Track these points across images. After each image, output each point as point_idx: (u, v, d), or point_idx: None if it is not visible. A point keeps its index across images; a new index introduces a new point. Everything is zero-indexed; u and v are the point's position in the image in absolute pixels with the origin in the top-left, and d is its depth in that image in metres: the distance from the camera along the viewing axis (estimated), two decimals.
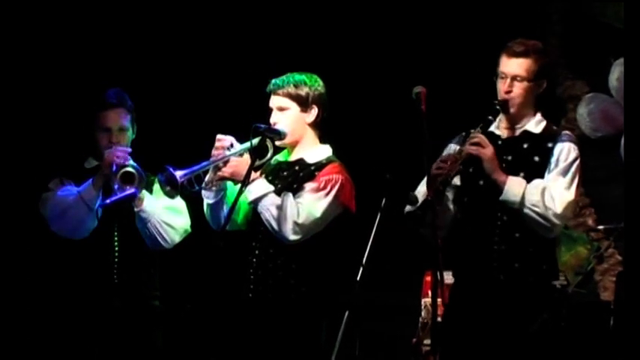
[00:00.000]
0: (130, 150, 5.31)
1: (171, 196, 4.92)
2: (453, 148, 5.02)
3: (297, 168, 4.96)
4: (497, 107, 4.92)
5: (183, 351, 5.85)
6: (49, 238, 5.37)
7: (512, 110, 4.93)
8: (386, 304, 6.72)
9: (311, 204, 4.81)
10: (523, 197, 4.80)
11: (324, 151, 5.01)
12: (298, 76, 4.96)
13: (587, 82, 7.13)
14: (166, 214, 5.30)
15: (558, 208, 4.81)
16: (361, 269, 4.36)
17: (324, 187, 4.83)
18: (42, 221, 5.34)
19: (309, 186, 4.86)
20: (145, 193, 5.28)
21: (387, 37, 6.97)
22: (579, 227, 6.96)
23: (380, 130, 6.87)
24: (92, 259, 5.29)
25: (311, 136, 5.01)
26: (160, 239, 5.30)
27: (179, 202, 5.29)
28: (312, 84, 4.96)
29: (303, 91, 4.94)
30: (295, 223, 4.79)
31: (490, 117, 4.92)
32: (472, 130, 4.94)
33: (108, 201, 5.21)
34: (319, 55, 6.48)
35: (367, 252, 4.38)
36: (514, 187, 4.83)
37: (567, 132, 5.08)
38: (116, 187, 5.22)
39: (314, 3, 6.93)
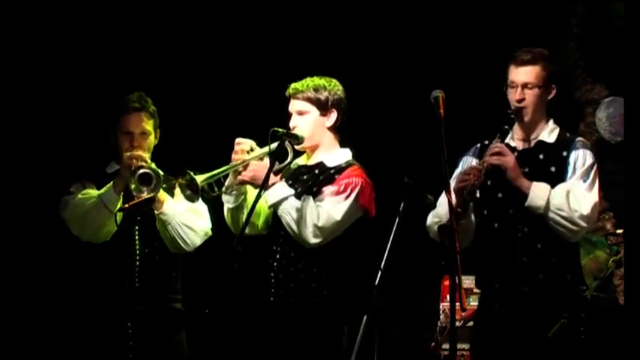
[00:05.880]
0: (148, 154, 5.31)
1: (191, 200, 4.92)
2: (469, 161, 5.03)
3: (316, 171, 4.97)
4: (512, 116, 4.92)
5: (205, 356, 5.85)
6: (70, 242, 5.38)
7: (526, 118, 4.94)
8: (404, 308, 6.72)
9: (331, 207, 4.81)
10: (548, 202, 4.79)
11: (344, 155, 5.02)
12: (318, 81, 4.97)
13: (606, 85, 7.12)
14: (187, 217, 5.29)
15: (584, 209, 4.81)
16: (379, 273, 4.36)
17: (344, 190, 4.84)
18: (63, 225, 5.33)
19: (328, 189, 4.87)
20: (165, 195, 5.27)
21: (406, 41, 6.97)
22: (598, 231, 6.94)
23: (398, 134, 6.87)
24: (113, 263, 5.28)
25: (330, 139, 5.02)
26: (180, 242, 5.29)
27: (200, 205, 5.26)
28: (332, 88, 4.98)
29: (323, 95, 4.96)
30: (315, 226, 4.79)
31: (507, 127, 4.93)
32: (487, 142, 4.95)
33: (127, 205, 5.21)
34: (339, 59, 6.50)
35: (386, 256, 4.38)
36: (539, 192, 4.82)
37: (581, 139, 5.06)
38: (133, 187, 5.22)
39: (333, 8, 6.94)
